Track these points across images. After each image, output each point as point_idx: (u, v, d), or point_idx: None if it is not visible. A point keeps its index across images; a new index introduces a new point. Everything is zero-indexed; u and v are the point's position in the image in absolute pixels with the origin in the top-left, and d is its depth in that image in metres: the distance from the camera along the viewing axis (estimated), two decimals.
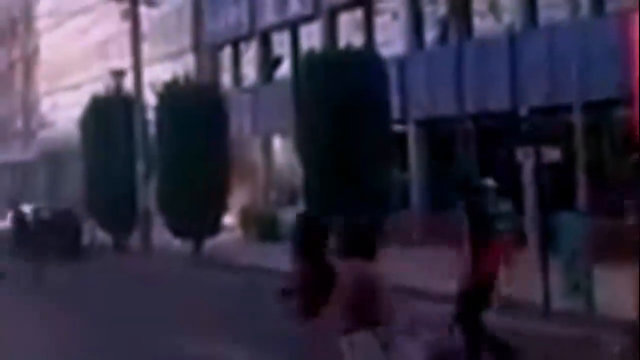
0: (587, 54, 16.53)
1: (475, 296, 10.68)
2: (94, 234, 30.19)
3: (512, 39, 22.37)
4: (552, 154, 14.99)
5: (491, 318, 14.18)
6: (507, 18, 23.09)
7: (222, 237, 27.86)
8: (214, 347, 12.87)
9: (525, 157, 15.12)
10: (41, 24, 53.87)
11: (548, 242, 15.25)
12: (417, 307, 13.93)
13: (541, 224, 14.94)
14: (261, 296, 18.90)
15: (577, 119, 13.89)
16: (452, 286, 11.28)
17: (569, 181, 15.57)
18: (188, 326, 14.96)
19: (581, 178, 13.83)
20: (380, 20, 27.44)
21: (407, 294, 16.91)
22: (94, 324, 15.56)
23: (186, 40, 36.96)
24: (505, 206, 15.36)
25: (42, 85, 54.16)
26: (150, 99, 29.06)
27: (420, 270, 19.59)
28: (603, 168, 19.90)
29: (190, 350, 12.86)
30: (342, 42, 26.75)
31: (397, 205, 23.35)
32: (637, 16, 18.26)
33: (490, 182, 15.55)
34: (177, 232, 26.53)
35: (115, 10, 31.72)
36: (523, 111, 18.00)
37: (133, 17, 30.13)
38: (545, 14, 22.05)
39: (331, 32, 28.88)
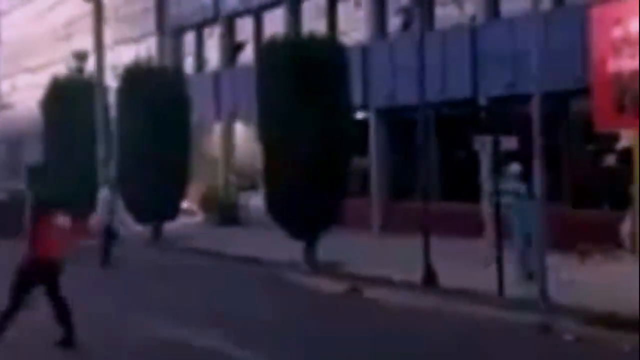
0: (547, 45, 16.72)
1: (31, 272, 11.57)
2: None
3: (474, 29, 22.57)
4: (510, 143, 15.17)
5: (443, 304, 14.47)
6: (469, 8, 23.27)
7: (182, 222, 27.86)
8: (177, 330, 12.90)
9: (482, 146, 15.30)
10: (2, 4, 53.29)
11: (504, 229, 15.46)
12: None
13: (496, 212, 15.12)
14: (216, 279, 19.01)
15: (535, 108, 14.05)
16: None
17: (526, 169, 15.76)
18: (147, 308, 14.98)
19: (537, 166, 14.00)
20: (343, 8, 27.51)
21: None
22: None
23: (150, 23, 36.77)
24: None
25: (2, 66, 53.62)
26: (112, 81, 28.90)
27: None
28: (559, 157, 20.17)
29: (157, 332, 12.89)
30: (305, 29, 26.80)
31: (355, 191, 23.52)
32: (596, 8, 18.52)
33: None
34: (136, 216, 26.46)
35: None
36: (482, 100, 18.17)
37: None
38: (506, 5, 22.25)
39: (295, 18, 28.89)
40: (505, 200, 15.56)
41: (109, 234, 21.30)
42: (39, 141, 31.95)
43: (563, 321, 12.52)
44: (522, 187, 15.85)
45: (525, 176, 15.82)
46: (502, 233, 14.97)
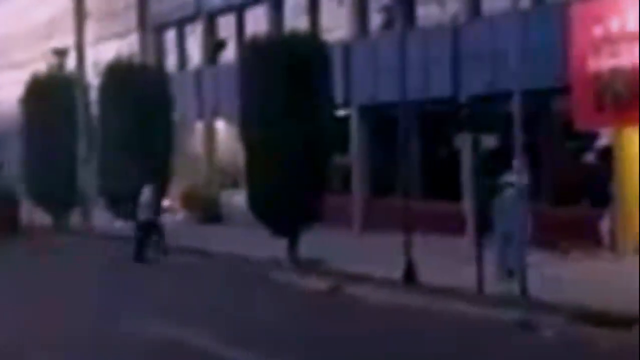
0: (527, 43, 16.81)
1: None
2: (32, 213, 30.04)
3: (455, 27, 22.64)
4: (490, 141, 15.27)
5: (424, 302, 14.55)
6: (451, 7, 23.35)
7: (163, 219, 27.78)
8: (163, 328, 12.92)
9: (463, 143, 15.38)
10: None
11: (486, 226, 15.55)
12: None
13: (477, 210, 15.21)
14: (200, 277, 19.03)
15: (515, 107, 14.14)
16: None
17: (507, 167, 15.85)
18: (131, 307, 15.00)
19: (518, 164, 14.11)
20: (325, 5, 27.55)
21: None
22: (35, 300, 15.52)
23: (131, 20, 36.68)
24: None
25: None
26: (93, 78, 28.84)
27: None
28: (539, 155, 20.29)
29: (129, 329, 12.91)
30: (287, 27, 26.80)
31: (337, 189, 23.59)
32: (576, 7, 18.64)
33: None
34: (117, 214, 26.41)
35: None
36: (463, 99, 18.27)
37: None
38: (487, 4, 22.35)
39: (277, 16, 28.91)
40: (511, 192, 15.95)
41: (150, 230, 21.90)
42: (20, 138, 31.86)
43: (543, 318, 12.61)
44: (524, 179, 16.22)
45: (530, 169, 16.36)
46: (483, 231, 15.06)
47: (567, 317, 12.57)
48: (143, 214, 22.28)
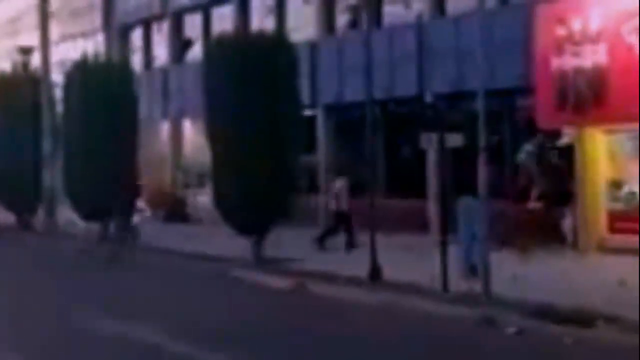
0: (492, 43, 16.96)
1: None
2: None
3: (421, 27, 22.79)
4: (456, 140, 15.35)
5: (389, 299, 14.63)
6: (416, 6, 23.49)
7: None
8: (119, 325, 12.91)
9: (428, 143, 15.45)
10: None
11: (450, 226, 15.64)
12: None
13: (442, 208, 15.30)
14: (166, 277, 19.00)
15: (480, 106, 14.24)
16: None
17: (472, 166, 15.97)
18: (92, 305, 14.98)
19: (482, 163, 14.18)
20: (292, 5, 27.60)
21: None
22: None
23: (97, 19, 36.53)
24: None
25: None
26: (58, 77, 28.67)
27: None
28: (504, 154, 20.46)
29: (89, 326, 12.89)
30: (254, 26, 26.81)
31: (304, 188, 23.59)
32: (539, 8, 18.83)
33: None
34: (82, 212, 26.26)
35: None
36: (428, 98, 18.39)
37: None
38: (452, 3, 22.51)
39: (243, 15, 28.92)
40: None
41: (341, 220, 21.21)
42: None
43: (506, 315, 12.73)
44: None
45: None
46: (447, 229, 15.16)
47: (530, 314, 12.69)
48: (332, 205, 21.72)
